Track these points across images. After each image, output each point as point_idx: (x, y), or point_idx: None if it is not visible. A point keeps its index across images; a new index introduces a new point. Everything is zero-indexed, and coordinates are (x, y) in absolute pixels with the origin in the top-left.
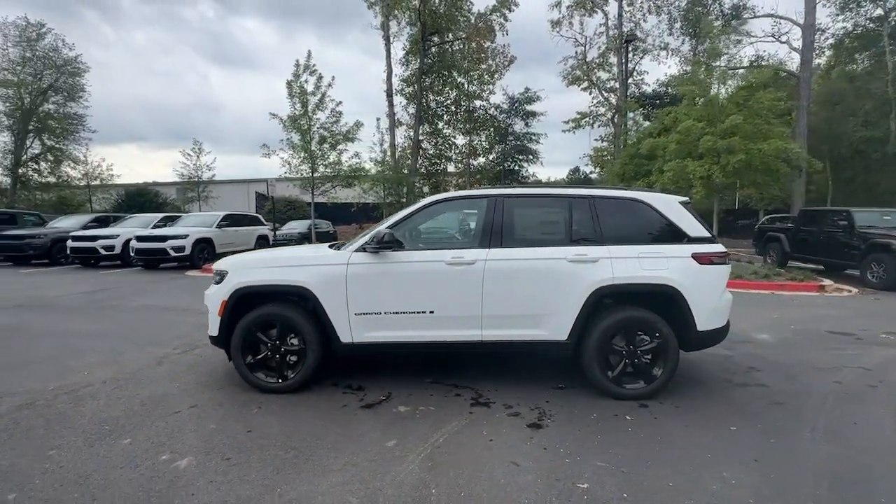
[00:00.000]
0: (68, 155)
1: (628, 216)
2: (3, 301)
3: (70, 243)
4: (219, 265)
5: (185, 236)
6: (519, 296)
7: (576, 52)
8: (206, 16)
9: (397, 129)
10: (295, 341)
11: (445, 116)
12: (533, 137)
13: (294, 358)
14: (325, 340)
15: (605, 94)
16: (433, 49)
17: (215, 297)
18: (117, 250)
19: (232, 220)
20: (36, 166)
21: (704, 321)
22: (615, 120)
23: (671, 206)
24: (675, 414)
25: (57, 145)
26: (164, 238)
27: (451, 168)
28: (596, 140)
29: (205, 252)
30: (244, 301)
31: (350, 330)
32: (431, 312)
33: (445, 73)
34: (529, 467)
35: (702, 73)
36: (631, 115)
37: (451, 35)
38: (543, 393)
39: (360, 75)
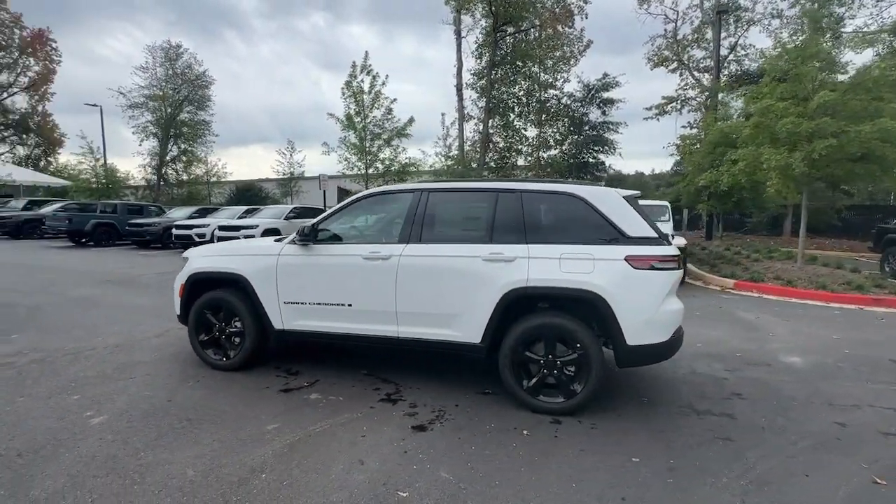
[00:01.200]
0: (196, 156)
1: (558, 212)
2: (98, 275)
3: (174, 231)
4: (185, 253)
5: (256, 227)
6: (432, 294)
7: (665, 31)
8: (317, 25)
9: (467, 122)
10: (238, 324)
11: (517, 108)
12: (610, 127)
13: (238, 339)
14: (261, 326)
15: (697, 76)
16: (506, 40)
17: (178, 280)
18: (208, 238)
19: (300, 213)
20: (174, 166)
21: (636, 335)
22: (707, 103)
23: (608, 201)
24: (582, 435)
25: (189, 148)
26: (238, 228)
27: (520, 161)
28: (684, 127)
29: None
30: (197, 285)
31: (281, 317)
32: (350, 305)
33: (520, 62)
34: (372, 468)
35: (825, 42)
36: (723, 96)
37: (524, 24)
38: (464, 396)
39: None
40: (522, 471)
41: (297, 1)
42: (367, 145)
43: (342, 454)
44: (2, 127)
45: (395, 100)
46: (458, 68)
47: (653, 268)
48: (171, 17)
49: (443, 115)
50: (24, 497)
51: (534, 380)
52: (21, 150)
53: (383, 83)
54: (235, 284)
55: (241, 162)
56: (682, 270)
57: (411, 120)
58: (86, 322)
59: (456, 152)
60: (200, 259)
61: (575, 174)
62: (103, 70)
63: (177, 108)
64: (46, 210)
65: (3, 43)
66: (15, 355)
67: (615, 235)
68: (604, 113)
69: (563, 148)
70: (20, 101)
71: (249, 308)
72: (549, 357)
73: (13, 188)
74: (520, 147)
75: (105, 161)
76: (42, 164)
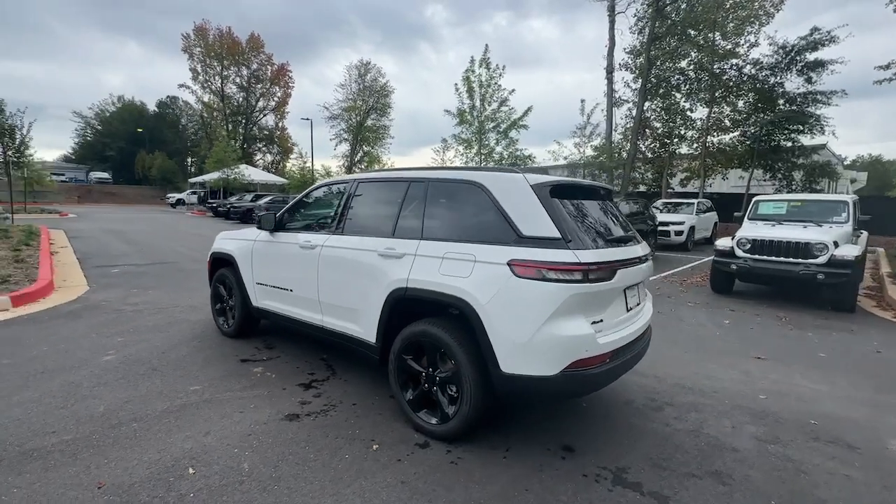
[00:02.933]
0: (376, 157)
1: (459, 203)
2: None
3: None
4: (217, 235)
5: None
6: (341, 286)
7: None
8: (499, 25)
9: (617, 108)
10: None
11: (684, 86)
12: (818, 98)
13: (232, 311)
14: (244, 301)
15: None
16: (676, 4)
17: (208, 258)
18: None
19: None
20: (360, 166)
21: (510, 360)
22: None
23: (512, 191)
24: (433, 465)
25: (371, 150)
26: None
27: (683, 149)
28: None
29: None
30: (215, 263)
31: (254, 295)
32: (291, 291)
33: (692, 31)
34: (205, 441)
35: None
36: None
37: None
38: (372, 398)
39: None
40: (320, 482)
41: (482, 3)
42: (482, 139)
43: (205, 423)
44: (259, 140)
45: (512, 90)
46: (610, 48)
47: (542, 277)
48: (378, 39)
49: (582, 101)
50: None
51: (415, 392)
52: (268, 157)
53: (500, 74)
54: (230, 264)
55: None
56: (592, 285)
57: (528, 110)
58: (195, 285)
59: (601, 142)
60: (219, 241)
61: (758, 162)
62: (325, 89)
63: (364, 116)
64: (260, 202)
65: (262, 77)
66: (116, 300)
67: (508, 234)
68: (808, 80)
69: (746, 129)
70: (269, 120)
71: (237, 284)
72: (430, 370)
73: (261, 186)
74: (682, 132)
75: (312, 163)
76: (280, 166)
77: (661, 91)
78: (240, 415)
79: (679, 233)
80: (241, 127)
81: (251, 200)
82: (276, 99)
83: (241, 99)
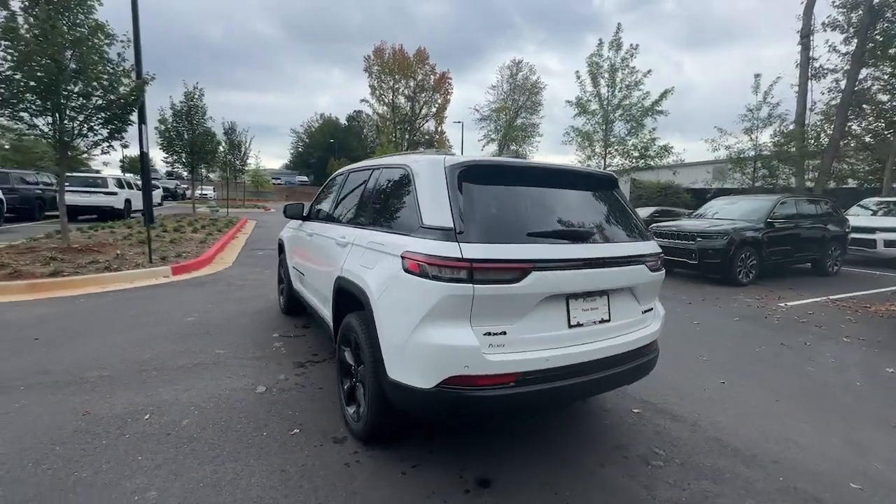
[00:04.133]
0: (521, 155)
1: (391, 190)
2: None
3: None
4: None
5: None
6: (318, 272)
7: None
8: (682, 2)
9: (817, 81)
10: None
11: None
12: None
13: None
14: (289, 283)
15: None
16: None
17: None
18: None
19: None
20: None
21: (392, 364)
22: None
23: (426, 175)
24: (378, 470)
25: (518, 149)
26: None
27: None
28: None
29: None
30: (279, 248)
31: (293, 279)
32: (303, 275)
33: None
34: (180, 398)
35: None
36: None
37: None
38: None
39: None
40: (222, 450)
41: None
42: (609, 129)
43: (195, 381)
44: (420, 145)
45: (647, 72)
46: (808, 3)
47: (423, 273)
48: (542, 37)
49: (756, 77)
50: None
51: (348, 386)
52: None
53: (633, 54)
54: (282, 250)
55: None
56: (481, 286)
57: (665, 93)
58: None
59: (783, 126)
60: (284, 229)
61: None
62: (482, 92)
63: (514, 115)
64: None
65: (426, 86)
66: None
67: (415, 222)
68: None
69: None
70: (430, 125)
71: (283, 267)
72: (355, 365)
73: None
74: None
75: None
76: None
77: (892, 51)
78: (227, 379)
79: (892, 243)
80: (406, 133)
81: None
82: (436, 105)
83: (407, 108)
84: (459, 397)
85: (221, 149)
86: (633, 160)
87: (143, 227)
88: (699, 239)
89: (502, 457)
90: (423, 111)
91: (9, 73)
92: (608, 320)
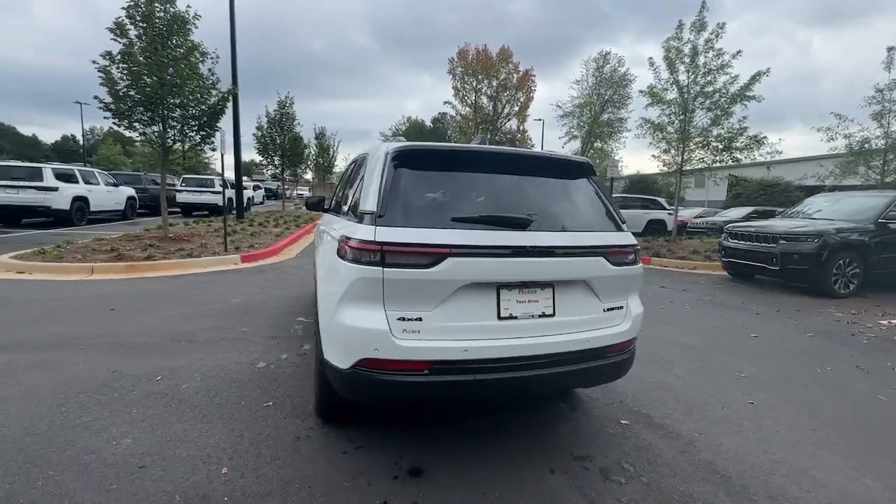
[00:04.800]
0: (605, 153)
1: (355, 177)
2: None
3: None
4: None
5: None
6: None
7: None
8: None
9: None
10: None
11: None
12: None
13: None
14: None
15: None
16: None
17: None
18: None
19: (622, 203)
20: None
21: (324, 343)
22: None
23: (370, 162)
24: (319, 446)
25: (602, 146)
26: None
27: None
28: None
29: None
30: None
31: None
32: (314, 265)
33: None
34: (192, 366)
35: None
36: None
37: None
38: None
39: None
40: (200, 414)
41: None
42: (687, 119)
43: (212, 353)
44: (501, 144)
45: (737, 53)
46: None
47: (344, 256)
48: (640, 27)
49: (889, 50)
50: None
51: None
52: None
53: (718, 35)
54: None
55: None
56: (391, 269)
57: (757, 75)
58: None
59: None
60: None
61: None
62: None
63: (599, 110)
64: None
65: (508, 85)
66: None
67: (359, 207)
68: None
69: None
70: (512, 124)
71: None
72: None
73: None
74: None
75: None
76: None
77: None
78: (237, 353)
79: None
80: (488, 133)
81: None
82: (518, 104)
83: (489, 108)
84: (372, 380)
85: (310, 152)
86: (716, 153)
87: (236, 221)
88: (782, 241)
89: (448, 450)
90: (506, 110)
91: (125, 90)
92: (552, 315)
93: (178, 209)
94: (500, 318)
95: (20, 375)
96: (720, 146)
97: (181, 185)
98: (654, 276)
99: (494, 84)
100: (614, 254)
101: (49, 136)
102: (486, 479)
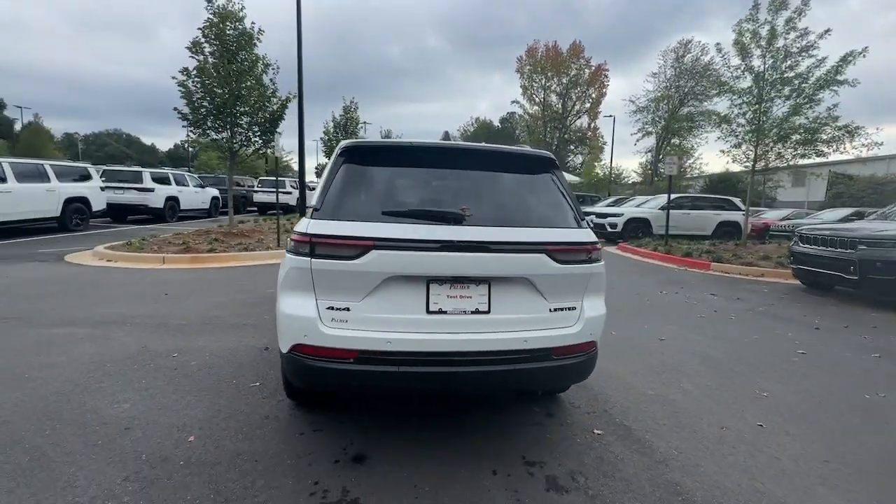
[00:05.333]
0: (684, 149)
1: None
2: None
3: (593, 218)
4: None
5: (621, 215)
6: None
7: None
8: None
9: None
10: None
11: None
12: None
13: None
14: None
15: None
16: None
17: None
18: (619, 228)
19: (690, 203)
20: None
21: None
22: None
23: (331, 158)
24: (302, 427)
25: (680, 142)
26: (605, 216)
27: None
28: None
29: (638, 231)
30: None
31: None
32: None
33: None
34: (203, 346)
35: None
36: None
37: None
38: None
39: None
40: (172, 387)
41: None
42: (762, 110)
43: (227, 336)
44: (570, 143)
45: (826, 32)
46: None
47: (287, 249)
48: (734, 11)
49: None
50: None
51: None
52: (578, 159)
53: (801, 13)
54: None
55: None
56: (317, 260)
57: (847, 57)
58: None
59: None
60: None
61: None
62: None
63: (678, 104)
64: None
65: (579, 81)
66: None
67: None
68: None
69: None
70: (583, 122)
71: None
72: None
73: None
74: None
75: (611, 161)
76: (588, 167)
77: None
78: (250, 338)
79: None
80: (556, 131)
81: None
82: (590, 100)
83: (558, 105)
84: (304, 365)
85: None
86: (796, 147)
87: (299, 219)
88: (862, 247)
89: (403, 441)
90: (576, 107)
91: (199, 101)
92: (486, 311)
93: (256, 208)
94: (428, 312)
95: (71, 346)
96: (800, 139)
97: (258, 187)
98: (708, 283)
99: (564, 81)
100: (560, 251)
101: (165, 144)
102: (424, 473)
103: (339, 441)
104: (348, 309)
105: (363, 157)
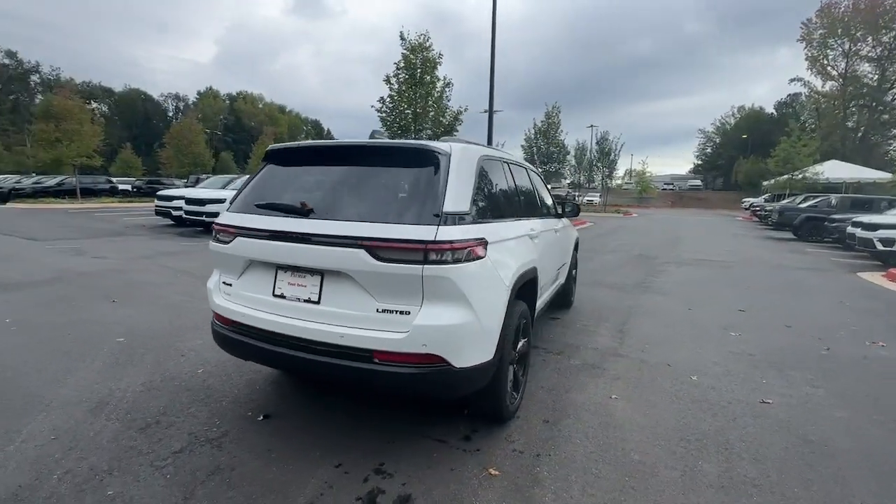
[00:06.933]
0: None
1: None
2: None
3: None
4: None
5: None
6: None
7: None
8: None
9: None
10: None
11: None
12: None
13: None
14: None
15: None
16: None
17: None
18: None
19: None
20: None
21: None
22: None
23: None
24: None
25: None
26: (876, 227)
27: None
28: None
29: None
30: None
31: None
32: None
33: None
34: None
35: None
36: None
37: None
38: None
39: None
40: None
41: None
42: None
43: None
44: (888, 126)
45: None
46: None
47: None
48: None
49: None
50: None
51: None
52: None
53: None
54: None
55: None
56: (213, 244)
57: None
58: None
59: None
60: None
61: None
62: None
63: None
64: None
65: None
66: None
67: None
68: None
69: None
70: None
71: None
72: None
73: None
74: None
75: None
76: None
77: None
78: None
79: None
80: (865, 111)
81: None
82: None
83: (873, 77)
84: (213, 329)
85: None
86: None
87: None
88: None
89: (311, 411)
90: None
91: (390, 122)
92: (316, 302)
93: None
94: (273, 294)
95: None
96: None
97: None
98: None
99: (886, 40)
100: (381, 248)
101: None
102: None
103: (255, 403)
104: (231, 285)
105: (281, 159)
